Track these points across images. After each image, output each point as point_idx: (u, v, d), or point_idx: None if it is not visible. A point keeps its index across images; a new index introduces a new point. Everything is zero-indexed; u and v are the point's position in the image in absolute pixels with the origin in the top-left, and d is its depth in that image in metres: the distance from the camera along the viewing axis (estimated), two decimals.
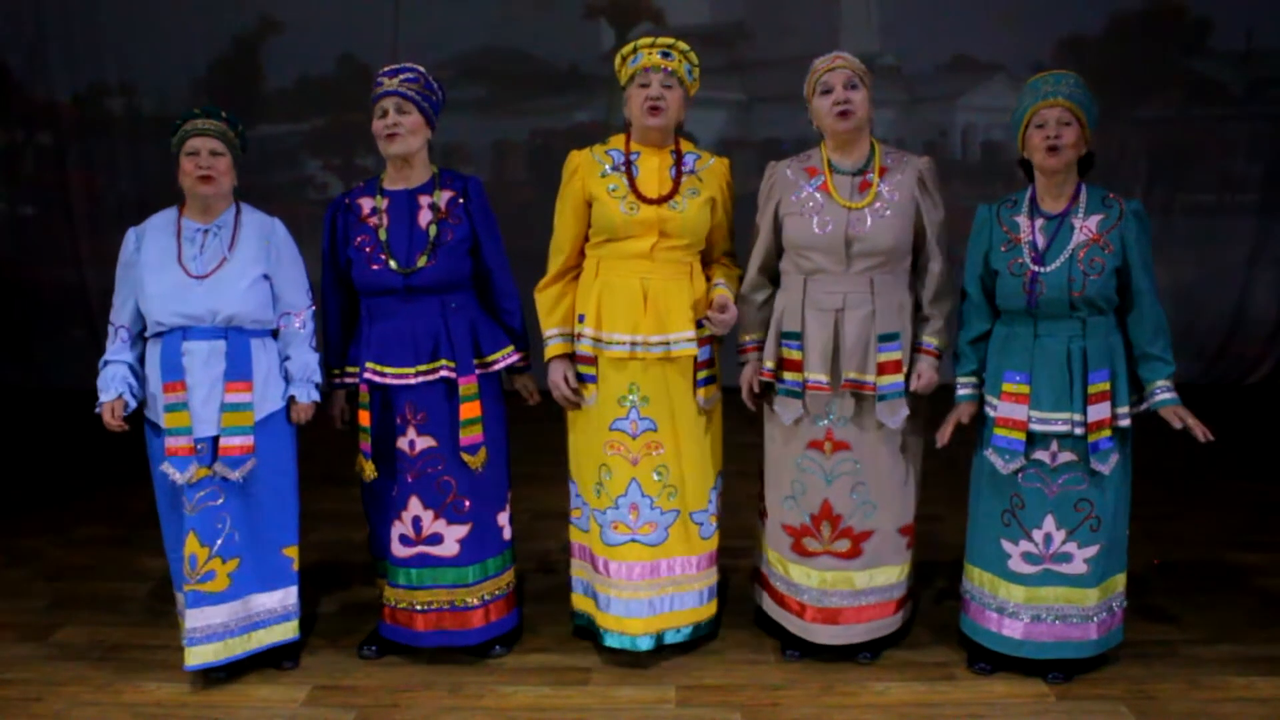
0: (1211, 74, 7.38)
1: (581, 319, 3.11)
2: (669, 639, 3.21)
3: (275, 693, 3.03)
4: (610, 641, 3.18)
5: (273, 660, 3.15)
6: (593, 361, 3.12)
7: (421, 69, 3.11)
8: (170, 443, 2.91)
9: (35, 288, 7.65)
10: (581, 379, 3.15)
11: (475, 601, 3.16)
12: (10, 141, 7.68)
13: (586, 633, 3.32)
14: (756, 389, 3.17)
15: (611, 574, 3.16)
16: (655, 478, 3.12)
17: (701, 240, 3.13)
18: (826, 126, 3.00)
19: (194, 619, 2.96)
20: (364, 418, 3.08)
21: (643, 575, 3.15)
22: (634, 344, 3.05)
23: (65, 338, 7.60)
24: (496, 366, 3.15)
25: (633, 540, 3.14)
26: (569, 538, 3.34)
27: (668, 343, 3.05)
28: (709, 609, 3.28)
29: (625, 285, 3.07)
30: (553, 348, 3.15)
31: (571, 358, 3.15)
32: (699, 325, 3.10)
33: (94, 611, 3.61)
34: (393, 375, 3.06)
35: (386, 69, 3.09)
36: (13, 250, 7.70)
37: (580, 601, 3.33)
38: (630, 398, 3.10)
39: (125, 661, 3.24)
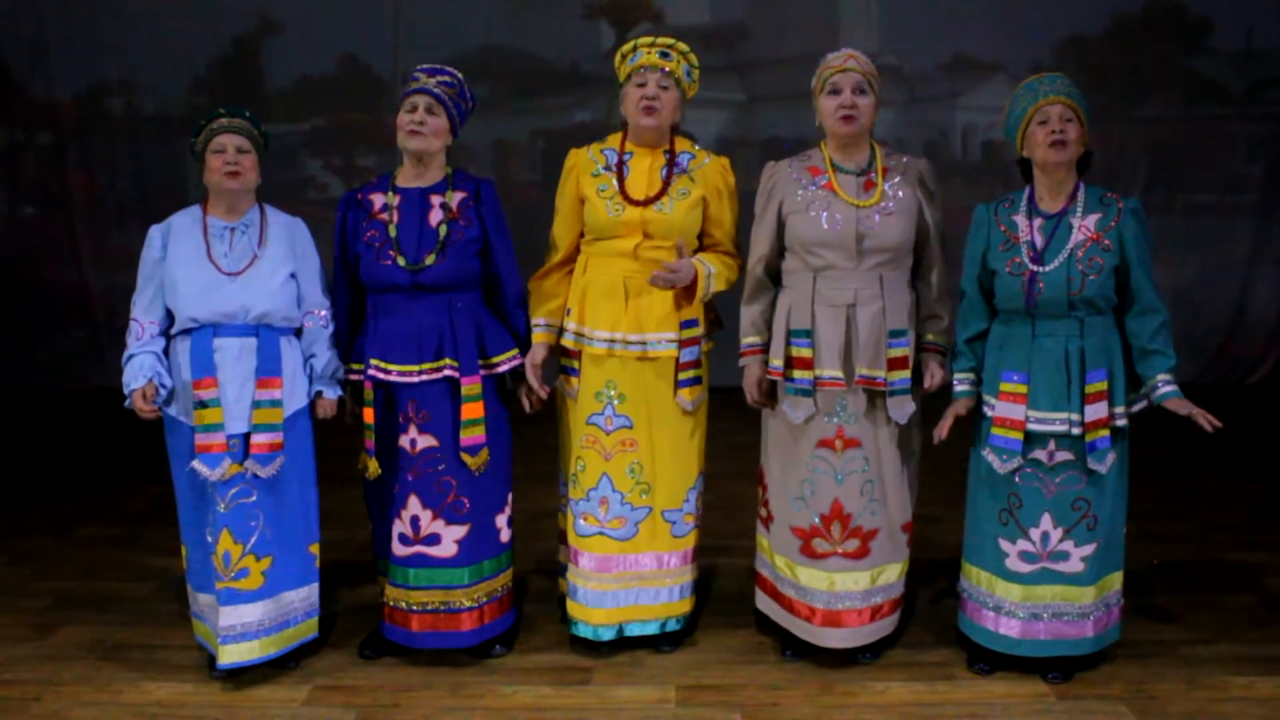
0: (1211, 74, 7.38)
1: (569, 312, 3.15)
2: (631, 631, 3.23)
3: (275, 693, 3.03)
4: (575, 630, 3.22)
5: (274, 660, 3.15)
6: (577, 355, 3.15)
7: (460, 76, 3.13)
8: (201, 439, 2.92)
9: (35, 288, 7.63)
10: (566, 372, 3.19)
11: (470, 603, 3.16)
12: (10, 141, 7.68)
13: None
14: (764, 390, 3.15)
15: (580, 564, 3.20)
16: (628, 474, 3.14)
17: (692, 240, 3.14)
18: (829, 127, 3.01)
19: (228, 617, 2.96)
20: (368, 415, 3.09)
21: (607, 568, 3.17)
22: (613, 341, 3.08)
23: (65, 338, 7.57)
24: (501, 369, 3.15)
25: (600, 533, 3.17)
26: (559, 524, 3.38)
27: (644, 342, 3.08)
28: (682, 605, 3.28)
29: (609, 283, 3.10)
30: (537, 335, 3.18)
31: (557, 348, 3.18)
32: (683, 327, 3.11)
33: (94, 611, 3.61)
34: (397, 372, 3.06)
35: (426, 66, 3.11)
36: (13, 250, 7.68)
37: (565, 586, 3.36)
38: (607, 394, 3.12)
39: (125, 661, 3.23)
